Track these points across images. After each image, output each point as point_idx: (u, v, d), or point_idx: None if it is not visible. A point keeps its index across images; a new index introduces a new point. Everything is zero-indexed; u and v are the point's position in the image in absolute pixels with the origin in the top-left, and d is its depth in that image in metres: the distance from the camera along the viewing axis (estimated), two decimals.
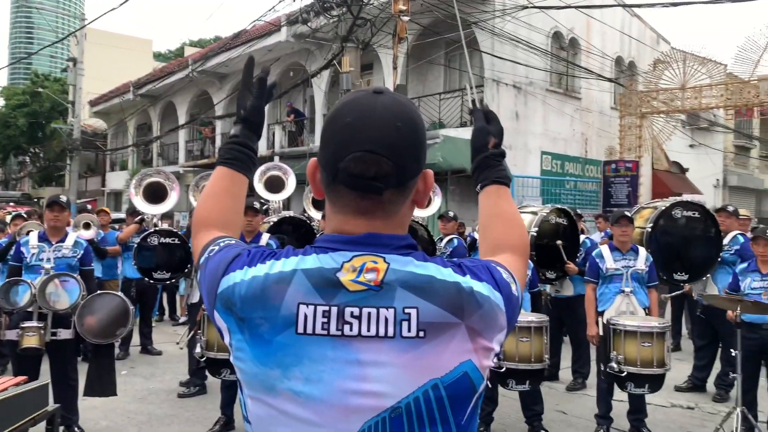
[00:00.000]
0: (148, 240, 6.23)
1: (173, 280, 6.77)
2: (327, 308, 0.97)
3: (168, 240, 6.32)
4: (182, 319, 9.57)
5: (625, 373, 4.51)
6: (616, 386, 4.74)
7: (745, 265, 5.10)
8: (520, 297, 1.10)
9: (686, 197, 8.87)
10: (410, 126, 1.02)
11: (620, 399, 4.95)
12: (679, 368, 6.37)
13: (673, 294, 6.52)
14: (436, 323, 0.96)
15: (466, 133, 13.63)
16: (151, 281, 6.40)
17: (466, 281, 1.01)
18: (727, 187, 21.83)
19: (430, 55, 15.21)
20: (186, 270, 6.32)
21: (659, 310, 7.10)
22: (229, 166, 1.29)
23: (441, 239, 7.47)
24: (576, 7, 13.39)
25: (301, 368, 0.96)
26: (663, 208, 5.81)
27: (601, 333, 4.89)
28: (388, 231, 1.03)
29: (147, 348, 7.69)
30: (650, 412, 5.02)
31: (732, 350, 4.58)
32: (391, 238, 1.03)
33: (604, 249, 5.17)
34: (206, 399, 5.73)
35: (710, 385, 6.28)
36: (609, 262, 5.05)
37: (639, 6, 17.14)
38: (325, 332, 0.96)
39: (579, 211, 8.07)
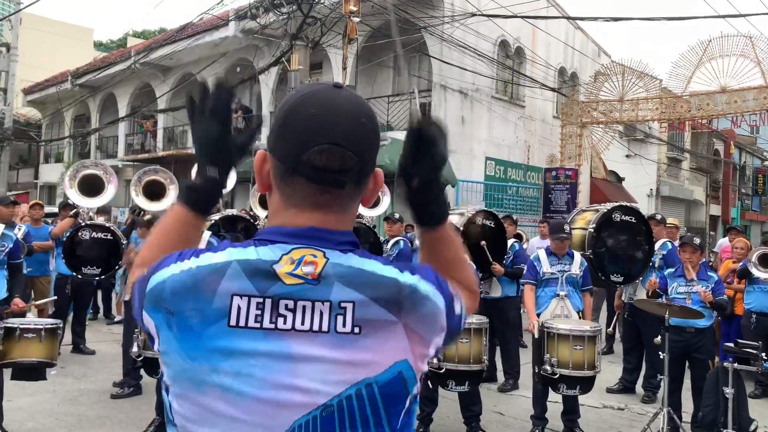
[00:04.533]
0: (80, 234, 6.00)
1: (103, 277, 6.53)
2: (261, 300, 0.94)
3: (101, 235, 6.10)
4: (117, 318, 9.25)
5: (558, 375, 4.66)
6: (550, 387, 4.88)
7: (672, 270, 5.37)
8: (463, 320, 1.06)
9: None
10: (373, 122, 1.02)
11: (555, 400, 5.10)
12: (611, 370, 6.63)
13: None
14: (373, 319, 0.94)
15: None
16: (79, 277, 6.16)
17: (407, 278, 0.98)
18: (660, 197, 22.83)
19: (379, 57, 15.27)
20: (118, 267, 6.12)
21: (594, 314, 7.38)
22: (191, 207, 1.14)
23: (387, 241, 7.51)
24: (522, 17, 13.72)
25: (231, 363, 0.93)
26: (605, 211, 5.98)
27: (536, 336, 5.02)
28: (339, 226, 1.01)
29: (80, 347, 7.39)
30: (583, 412, 5.20)
31: (660, 353, 4.79)
32: (334, 233, 1.00)
33: (541, 253, 5.33)
34: (141, 400, 5.56)
35: (639, 387, 6.54)
36: (545, 266, 5.20)
37: (582, 19, 17.77)
38: (258, 325, 0.93)
39: (520, 216, 8.29)
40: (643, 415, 5.49)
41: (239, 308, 0.94)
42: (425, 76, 14.79)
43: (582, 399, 5.10)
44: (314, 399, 0.91)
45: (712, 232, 24.36)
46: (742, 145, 31.45)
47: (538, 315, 5.11)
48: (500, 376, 6.56)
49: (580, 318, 5.15)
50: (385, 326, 0.94)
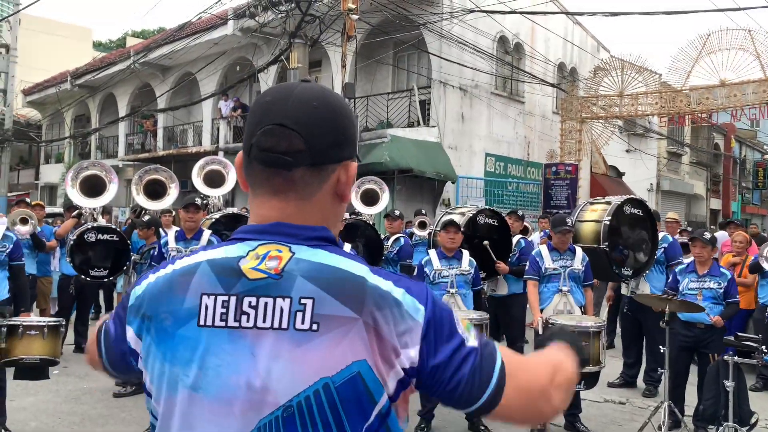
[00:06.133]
0: (85, 236, 6.01)
1: (111, 278, 6.55)
2: (226, 298, 0.93)
3: (106, 237, 6.11)
4: None
5: None
6: None
7: (684, 265, 5.32)
8: (477, 363, 0.94)
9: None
10: (328, 108, 0.99)
11: None
12: (613, 365, 6.63)
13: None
14: (331, 316, 0.90)
15: (413, 133, 13.78)
16: (88, 279, 6.18)
17: (378, 280, 0.94)
18: (660, 191, 22.82)
19: (378, 54, 15.27)
20: (125, 267, 6.14)
21: (594, 308, 7.39)
22: None
23: (387, 238, 7.52)
24: (521, 13, 13.72)
25: (199, 363, 0.93)
26: (618, 203, 5.95)
27: (540, 332, 5.02)
28: (302, 215, 0.99)
29: (82, 347, 7.41)
30: (584, 407, 5.21)
31: (661, 347, 4.80)
32: (301, 228, 0.98)
33: (543, 249, 5.33)
34: (143, 398, 5.52)
35: (640, 380, 6.55)
36: (547, 261, 5.20)
37: (581, 14, 17.74)
38: (224, 324, 0.93)
39: (520, 212, 8.28)
40: (644, 409, 5.51)
41: (207, 307, 0.94)
42: (425, 73, 14.78)
43: (583, 394, 5.12)
44: (276, 399, 0.89)
45: (713, 227, 24.34)
46: (742, 138, 31.41)
47: (542, 311, 5.11)
48: None
49: (582, 313, 5.16)
50: (344, 323, 0.90)
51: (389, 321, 0.91)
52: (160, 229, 6.93)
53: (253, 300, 0.92)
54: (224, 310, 0.93)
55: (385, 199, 7.44)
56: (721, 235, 11.12)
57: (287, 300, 0.91)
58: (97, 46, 40.11)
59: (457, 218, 6.12)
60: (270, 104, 0.99)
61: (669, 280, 5.41)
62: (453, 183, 13.91)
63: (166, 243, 5.30)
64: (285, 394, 0.89)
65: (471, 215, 6.32)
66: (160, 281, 1.00)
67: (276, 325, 0.91)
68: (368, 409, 0.90)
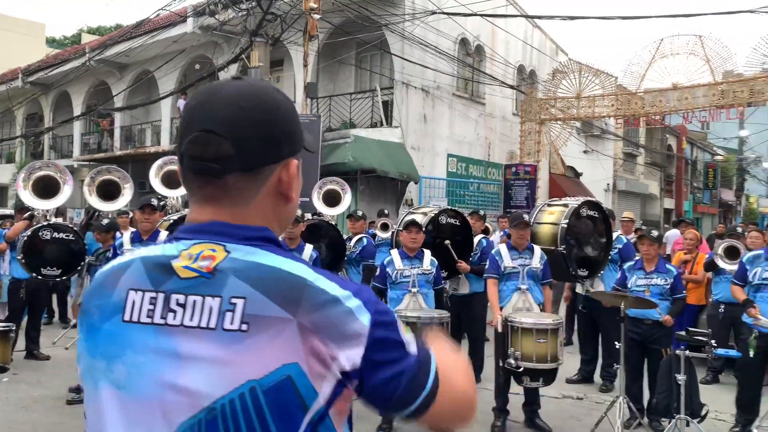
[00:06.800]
0: (40, 234, 5.83)
1: (64, 278, 6.36)
2: (155, 295, 0.91)
3: (62, 236, 5.94)
4: (73, 322, 9.01)
5: (522, 368, 4.74)
6: (512, 380, 4.96)
7: (632, 263, 5.49)
8: (416, 369, 0.91)
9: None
10: (258, 107, 0.95)
11: (516, 392, 5.19)
12: (571, 361, 6.77)
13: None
14: (263, 316, 0.86)
15: (376, 134, 13.80)
16: (39, 277, 5.99)
17: (320, 281, 0.90)
18: (616, 191, 23.41)
19: (341, 54, 15.24)
20: (79, 268, 5.98)
21: (554, 306, 7.53)
22: None
23: (350, 238, 7.52)
24: (482, 15, 13.88)
25: (123, 359, 0.90)
26: (575, 206, 6.09)
27: (500, 330, 5.09)
28: (237, 221, 0.95)
29: (33, 353, 7.17)
30: (543, 403, 5.30)
31: (615, 342, 4.93)
32: (239, 227, 0.95)
33: (502, 248, 5.41)
34: None
35: (598, 376, 6.71)
36: (507, 260, 5.28)
37: (540, 17, 18.06)
38: (150, 320, 0.90)
39: (482, 212, 8.38)
40: (601, 404, 5.63)
41: (133, 303, 0.92)
42: (387, 74, 14.82)
43: (542, 390, 5.20)
44: (198, 401, 0.85)
45: (666, 225, 25.08)
46: (694, 140, 32.49)
47: (501, 309, 5.18)
48: None
49: (540, 311, 5.25)
50: (276, 324, 0.86)
51: (328, 323, 0.87)
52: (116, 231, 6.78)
53: (182, 298, 0.89)
54: (151, 307, 0.91)
55: (347, 199, 7.44)
56: (674, 234, 11.48)
57: (217, 299, 0.88)
58: (51, 42, 38.90)
59: (419, 218, 6.16)
60: (195, 109, 0.95)
61: (618, 278, 5.56)
62: (416, 183, 13.99)
63: (121, 244, 5.17)
64: (208, 397, 0.85)
65: (433, 215, 6.37)
66: (98, 277, 0.99)
67: (204, 324, 0.87)
68: (298, 415, 0.86)
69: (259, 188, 0.96)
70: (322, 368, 0.86)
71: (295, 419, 0.86)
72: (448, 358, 0.99)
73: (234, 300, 0.88)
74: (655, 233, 5.35)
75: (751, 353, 4.81)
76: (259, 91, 0.97)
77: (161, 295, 0.91)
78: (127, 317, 0.92)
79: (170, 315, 0.90)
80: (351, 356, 0.87)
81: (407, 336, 0.93)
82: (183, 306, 0.89)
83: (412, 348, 0.93)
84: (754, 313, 4.76)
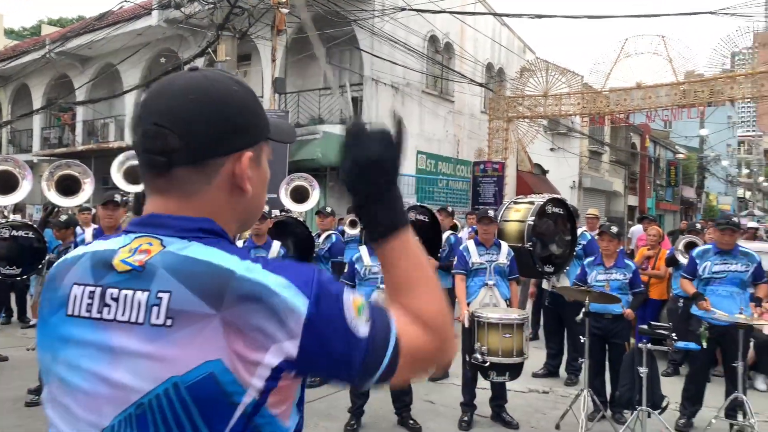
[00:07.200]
0: (0, 232, 5.66)
1: (24, 277, 6.18)
2: (94, 289, 0.93)
3: (22, 233, 5.77)
4: (33, 321, 8.77)
5: (488, 363, 4.79)
6: (479, 375, 5.01)
7: (591, 258, 5.62)
8: (370, 348, 0.87)
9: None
10: (208, 99, 0.93)
11: (483, 387, 5.24)
12: (537, 356, 6.87)
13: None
14: (186, 311, 0.85)
15: None
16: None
17: (252, 272, 0.87)
18: (582, 189, 23.82)
19: (310, 49, 15.12)
20: (40, 266, 5.82)
21: (523, 305, 7.63)
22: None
23: (319, 235, 7.48)
24: (450, 12, 13.95)
25: (66, 352, 0.93)
26: (541, 203, 6.16)
27: (467, 325, 5.13)
28: (184, 213, 0.95)
29: None
30: (510, 397, 5.36)
31: (581, 337, 5.02)
32: (178, 219, 0.94)
33: (470, 244, 5.45)
34: None
35: (563, 370, 6.82)
36: (474, 256, 5.33)
37: (508, 15, 18.25)
38: (89, 314, 0.92)
39: (450, 208, 8.44)
40: (566, 397, 5.73)
41: (75, 297, 0.94)
42: (357, 70, 14.78)
43: (509, 384, 5.26)
44: (129, 395, 0.86)
45: (630, 222, 25.64)
46: (657, 138, 33.25)
47: (468, 304, 5.22)
48: None
49: (507, 306, 5.31)
50: (199, 320, 0.84)
51: (256, 316, 0.83)
52: (78, 228, 6.62)
53: (116, 292, 0.91)
54: (90, 301, 0.92)
55: (315, 195, 7.39)
56: (637, 230, 11.73)
57: (145, 293, 0.88)
58: (9, 33, 37.74)
59: None
60: (147, 102, 0.95)
61: (578, 273, 5.66)
62: None
63: (83, 241, 5.06)
64: (138, 391, 0.86)
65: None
66: (52, 270, 1.01)
67: (133, 319, 0.88)
68: (228, 410, 0.84)
69: (209, 181, 0.95)
70: (249, 363, 0.84)
71: (222, 414, 0.85)
72: (413, 333, 0.93)
73: (160, 294, 0.87)
74: (614, 229, 5.46)
75: (704, 344, 4.95)
76: (212, 82, 0.96)
77: (98, 290, 0.92)
78: (70, 311, 0.94)
79: (105, 309, 0.91)
80: (284, 349, 0.84)
81: (357, 318, 0.88)
82: (116, 300, 0.90)
83: (362, 331, 0.87)
84: (706, 306, 4.90)
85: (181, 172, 0.94)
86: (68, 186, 6.01)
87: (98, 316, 0.91)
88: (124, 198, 6.24)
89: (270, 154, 1.06)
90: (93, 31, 16.91)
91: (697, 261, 5.18)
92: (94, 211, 7.37)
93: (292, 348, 0.84)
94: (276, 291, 0.85)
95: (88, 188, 6.10)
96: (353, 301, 0.89)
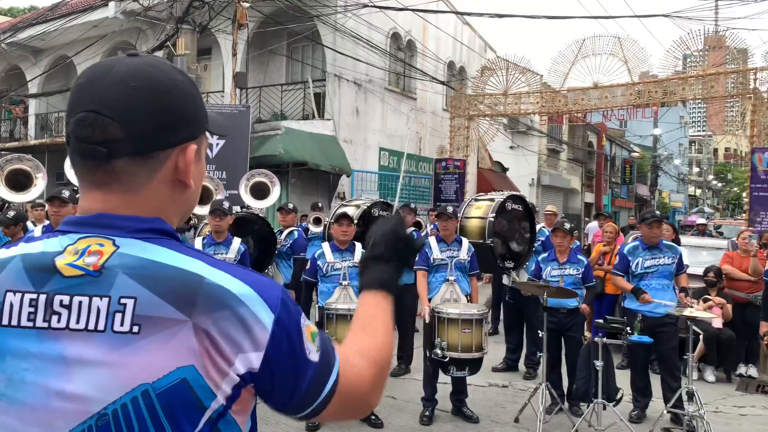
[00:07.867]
0: None
1: None
2: (35, 296, 0.85)
3: None
4: None
5: (448, 358, 4.85)
6: (440, 370, 5.07)
7: (545, 254, 5.74)
8: (313, 378, 0.90)
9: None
10: (152, 87, 0.89)
11: (444, 381, 5.30)
12: (497, 350, 6.99)
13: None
14: (155, 317, 0.82)
15: (308, 126, 13.67)
16: None
17: (221, 278, 0.86)
18: (541, 186, 24.25)
19: (272, 44, 14.98)
20: None
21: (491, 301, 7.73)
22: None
23: (280, 232, 7.43)
24: (413, 10, 13.99)
25: (4, 366, 0.85)
26: (501, 201, 6.26)
27: (428, 321, 5.19)
28: (129, 208, 0.90)
29: None
30: (470, 392, 5.44)
31: (539, 331, 5.13)
32: (129, 219, 0.89)
33: (432, 240, 5.51)
34: None
35: (522, 364, 6.95)
36: (435, 252, 5.39)
37: (469, 14, 18.40)
38: (32, 324, 0.85)
39: (413, 205, 8.49)
40: (525, 391, 5.84)
41: (12, 305, 0.86)
42: (319, 66, 14.71)
43: (469, 379, 5.34)
44: (88, 407, 0.82)
45: (587, 218, 26.24)
46: (613, 137, 34.10)
47: (430, 300, 5.28)
48: (393, 361, 6.72)
49: (468, 302, 5.38)
50: (170, 325, 0.82)
51: (226, 324, 0.83)
52: (29, 224, 6.41)
53: (66, 299, 0.84)
54: (32, 309, 0.85)
55: (276, 192, 7.34)
56: (594, 226, 12.02)
57: (105, 300, 0.83)
58: None
59: (351, 211, 6.18)
60: (84, 87, 0.89)
61: (533, 269, 5.78)
62: (348, 176, 13.98)
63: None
64: (99, 402, 0.81)
65: (365, 208, 6.40)
66: None
67: (91, 326, 0.83)
68: (195, 415, 0.83)
69: (152, 174, 0.91)
70: (219, 370, 0.83)
71: (191, 419, 0.83)
72: (358, 366, 0.97)
73: (124, 300, 0.83)
74: (568, 225, 5.60)
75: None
76: (154, 69, 0.91)
77: (43, 297, 0.85)
78: (5, 321, 0.85)
79: (54, 318, 0.84)
80: (249, 360, 0.85)
81: (310, 343, 0.91)
82: (68, 307, 0.84)
83: (313, 356, 0.91)
84: (648, 299, 5.08)
85: (123, 164, 0.89)
86: (19, 181, 5.82)
87: (44, 325, 0.84)
88: (77, 194, 6.07)
89: (206, 148, 1.04)
90: (46, 22, 16.36)
91: (630, 258, 5.34)
92: (46, 207, 7.15)
93: (255, 360, 0.85)
94: (243, 301, 0.85)
95: (40, 183, 5.93)
96: (308, 327, 0.93)
